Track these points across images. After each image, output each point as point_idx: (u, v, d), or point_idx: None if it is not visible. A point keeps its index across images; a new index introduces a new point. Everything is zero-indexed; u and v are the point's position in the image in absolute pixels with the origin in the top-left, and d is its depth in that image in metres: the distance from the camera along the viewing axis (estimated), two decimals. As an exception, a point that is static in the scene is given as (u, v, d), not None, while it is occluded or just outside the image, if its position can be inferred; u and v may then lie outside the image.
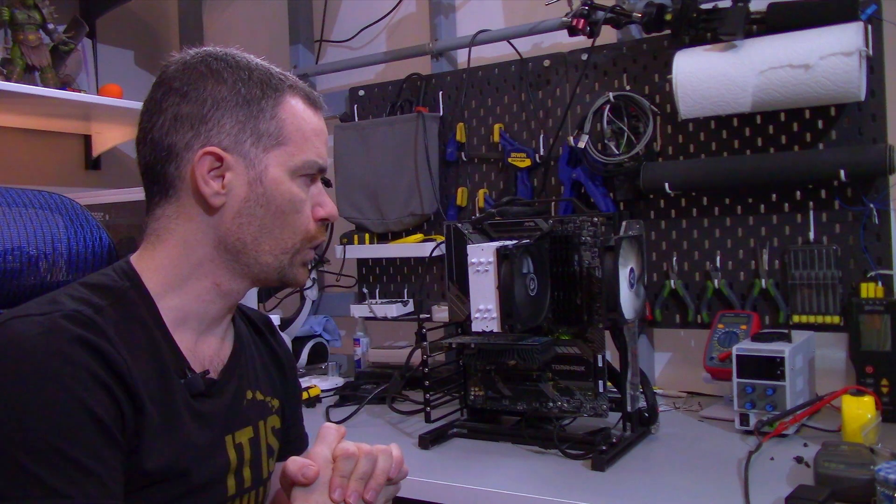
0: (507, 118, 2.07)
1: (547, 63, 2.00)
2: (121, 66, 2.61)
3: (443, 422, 1.60)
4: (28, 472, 0.70)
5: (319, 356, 2.24)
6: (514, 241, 1.44)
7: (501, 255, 1.36)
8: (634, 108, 1.85)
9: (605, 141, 1.87)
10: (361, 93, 2.30)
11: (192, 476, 0.84)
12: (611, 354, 1.48)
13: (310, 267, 0.98)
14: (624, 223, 1.47)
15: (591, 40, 1.83)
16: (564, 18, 1.80)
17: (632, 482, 1.26)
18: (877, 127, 1.62)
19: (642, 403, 1.50)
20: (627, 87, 1.89)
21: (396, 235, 2.19)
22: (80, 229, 1.14)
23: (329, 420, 1.68)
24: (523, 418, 1.54)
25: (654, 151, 1.84)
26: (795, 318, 1.69)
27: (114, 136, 2.44)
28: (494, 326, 1.37)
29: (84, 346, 0.75)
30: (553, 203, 1.96)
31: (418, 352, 1.73)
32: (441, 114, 2.14)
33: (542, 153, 2.00)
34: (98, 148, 2.47)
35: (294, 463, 0.80)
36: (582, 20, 1.77)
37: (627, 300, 1.42)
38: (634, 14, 1.72)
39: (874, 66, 1.60)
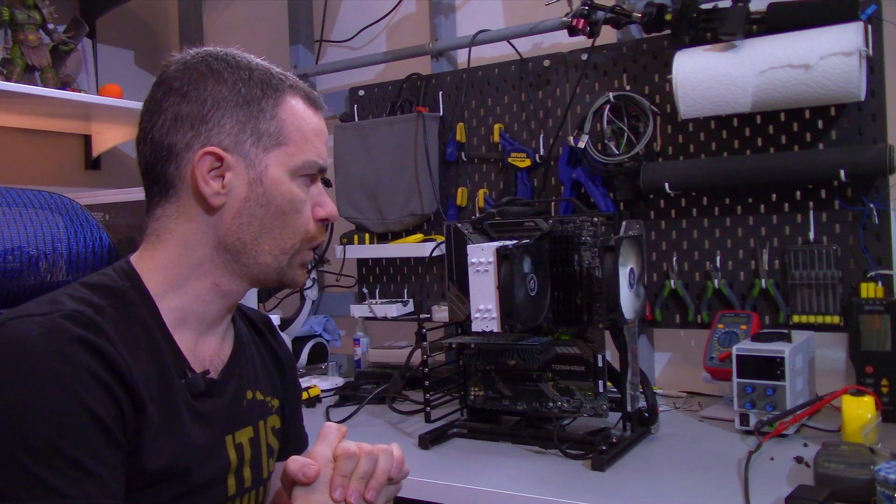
0: (507, 118, 2.07)
1: (547, 63, 2.00)
2: (121, 66, 2.61)
3: (443, 422, 1.60)
4: (29, 472, 0.70)
5: (319, 356, 2.24)
6: (514, 241, 1.44)
7: (501, 255, 1.36)
8: (634, 108, 1.85)
9: (605, 141, 1.87)
10: (361, 93, 2.30)
11: (193, 476, 0.85)
12: (611, 354, 1.48)
13: (309, 268, 0.98)
14: (624, 223, 1.47)
15: (591, 40, 1.83)
16: (564, 18, 1.80)
17: (632, 482, 1.26)
18: (877, 127, 1.62)
19: (642, 403, 1.50)
20: (627, 87, 1.89)
21: (396, 235, 2.19)
22: (80, 229, 1.14)
23: (329, 420, 1.68)
24: (523, 418, 1.54)
25: (654, 151, 1.84)
26: (795, 318, 1.69)
27: (114, 136, 2.44)
28: (494, 326, 1.37)
29: (84, 346, 0.75)
30: (553, 203, 1.96)
31: (418, 352, 1.73)
32: (441, 114, 2.14)
33: (542, 153, 2.00)
34: (98, 148, 2.47)
35: (295, 462, 0.80)
36: (582, 20, 1.77)
37: (627, 300, 1.42)
38: (634, 14, 1.72)
39: (874, 66, 1.60)
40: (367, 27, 2.39)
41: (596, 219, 1.48)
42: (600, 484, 1.26)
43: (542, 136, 2.01)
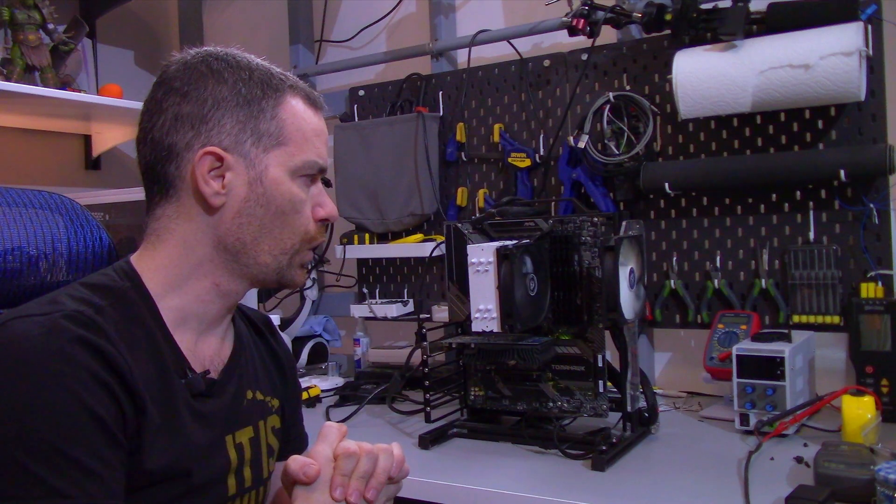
0: (507, 118, 2.07)
1: (547, 63, 2.00)
2: (121, 66, 2.61)
3: (443, 422, 1.60)
4: (29, 472, 0.70)
5: (319, 356, 2.24)
6: (514, 241, 1.44)
7: (501, 255, 1.36)
8: (634, 108, 1.85)
9: (605, 141, 1.87)
10: (361, 93, 2.30)
11: (193, 476, 0.85)
12: (611, 354, 1.48)
13: (308, 268, 0.98)
14: (624, 223, 1.47)
15: (591, 40, 1.83)
16: (564, 18, 1.80)
17: (632, 482, 1.26)
18: (877, 127, 1.62)
19: (642, 403, 1.50)
20: (627, 87, 1.89)
21: (396, 235, 2.19)
22: (80, 229, 1.14)
23: (329, 420, 1.68)
24: (523, 418, 1.54)
25: (654, 151, 1.84)
26: (795, 318, 1.69)
27: (114, 136, 2.44)
28: (494, 326, 1.37)
29: (85, 346, 0.75)
30: (553, 203, 1.96)
31: (418, 352, 1.73)
32: (441, 114, 2.14)
33: (542, 153, 2.00)
34: (98, 148, 2.47)
35: (295, 461, 0.80)
36: (582, 20, 1.77)
37: (627, 300, 1.42)
38: (634, 14, 1.72)
39: (874, 66, 1.60)
40: (367, 27, 2.39)
41: (596, 219, 1.48)
42: (600, 484, 1.26)
43: (542, 136, 2.01)
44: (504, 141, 2.04)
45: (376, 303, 2.20)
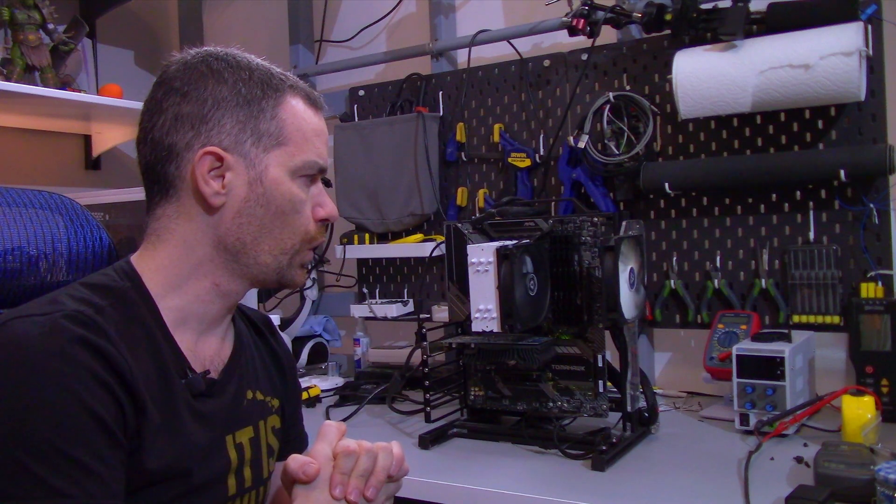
0: (507, 118, 2.07)
1: (547, 63, 2.00)
2: (121, 66, 2.61)
3: (443, 422, 1.60)
4: (30, 472, 0.70)
5: (319, 356, 2.24)
6: (514, 241, 1.44)
7: (501, 255, 1.36)
8: (634, 108, 1.85)
9: (605, 141, 1.87)
10: (361, 93, 2.30)
11: (193, 476, 0.85)
12: (611, 354, 1.48)
13: (308, 268, 0.98)
14: (624, 223, 1.47)
15: (591, 40, 1.83)
16: (564, 18, 1.80)
17: (632, 482, 1.26)
18: (877, 127, 1.62)
19: (642, 403, 1.50)
20: (627, 87, 1.89)
21: (396, 235, 2.19)
22: (80, 229, 1.14)
23: (329, 420, 1.68)
24: (523, 418, 1.54)
25: (654, 151, 1.85)
26: (795, 318, 1.69)
27: (114, 136, 2.44)
28: (494, 326, 1.37)
29: (85, 346, 0.75)
30: (553, 203, 1.96)
31: (418, 352, 1.73)
32: (441, 114, 2.14)
33: (542, 153, 2.00)
34: (98, 148, 2.47)
35: (295, 461, 0.80)
36: (582, 20, 1.77)
37: (627, 300, 1.42)
38: (634, 14, 1.72)
39: (874, 66, 1.60)
40: (367, 27, 2.39)
41: (596, 219, 1.48)
42: (600, 484, 1.26)
43: (542, 136, 2.01)
44: (504, 141, 2.04)
45: (376, 303, 2.20)
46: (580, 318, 1.47)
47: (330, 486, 0.80)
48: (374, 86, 2.29)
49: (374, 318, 2.15)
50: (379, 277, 2.30)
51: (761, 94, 1.59)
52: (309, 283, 2.19)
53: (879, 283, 1.61)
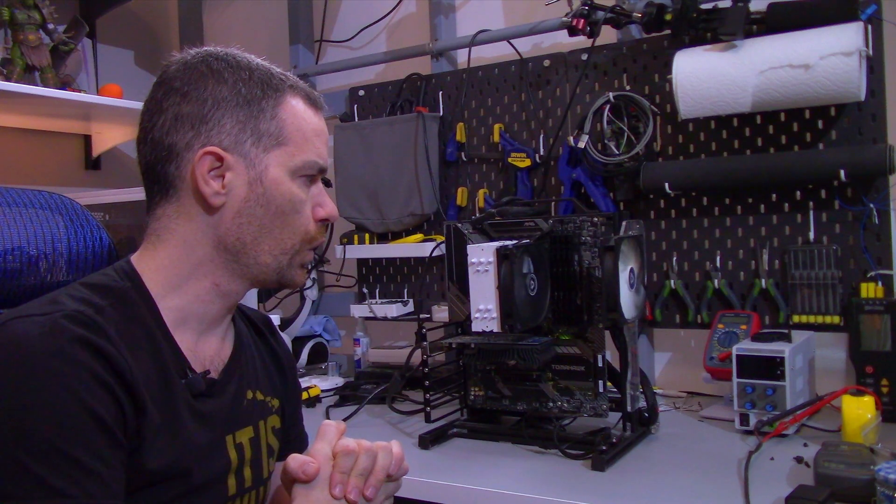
0: (507, 118, 2.07)
1: (547, 63, 2.00)
2: (121, 66, 2.61)
3: (443, 422, 1.60)
4: (30, 472, 0.70)
5: (319, 356, 2.24)
6: (514, 241, 1.44)
7: (501, 255, 1.36)
8: (634, 108, 1.85)
9: (605, 141, 1.87)
10: (361, 93, 2.30)
11: (193, 476, 0.85)
12: (611, 354, 1.48)
13: (309, 268, 0.98)
14: (624, 223, 1.47)
15: (591, 40, 1.83)
16: (564, 18, 1.80)
17: (632, 482, 1.26)
18: (877, 127, 1.62)
19: (642, 403, 1.50)
20: (627, 87, 1.89)
21: (396, 235, 2.19)
22: (80, 229, 1.14)
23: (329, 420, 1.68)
24: (523, 418, 1.54)
25: (654, 151, 1.85)
26: (795, 318, 1.69)
27: (114, 136, 2.44)
28: (494, 326, 1.37)
29: (85, 346, 0.75)
30: (553, 203, 1.96)
31: (418, 352, 1.73)
32: (441, 114, 2.14)
33: (542, 153, 2.00)
34: (98, 148, 2.47)
35: (295, 460, 0.80)
36: (582, 20, 1.77)
37: (627, 300, 1.42)
38: (634, 14, 1.72)
39: (874, 66, 1.60)
40: (367, 27, 2.39)
41: (596, 219, 1.48)
42: (600, 484, 1.26)
43: (542, 136, 2.01)
44: (504, 141, 2.04)
45: (376, 303, 2.20)
46: (580, 318, 1.47)
47: (329, 486, 0.80)
48: (374, 86, 2.29)
49: (374, 318, 2.15)
50: (379, 277, 2.30)
51: (761, 94, 1.59)
52: (309, 283, 2.19)
53: (879, 283, 1.61)
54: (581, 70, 1.92)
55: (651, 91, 1.86)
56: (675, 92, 1.68)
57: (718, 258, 1.78)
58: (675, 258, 1.83)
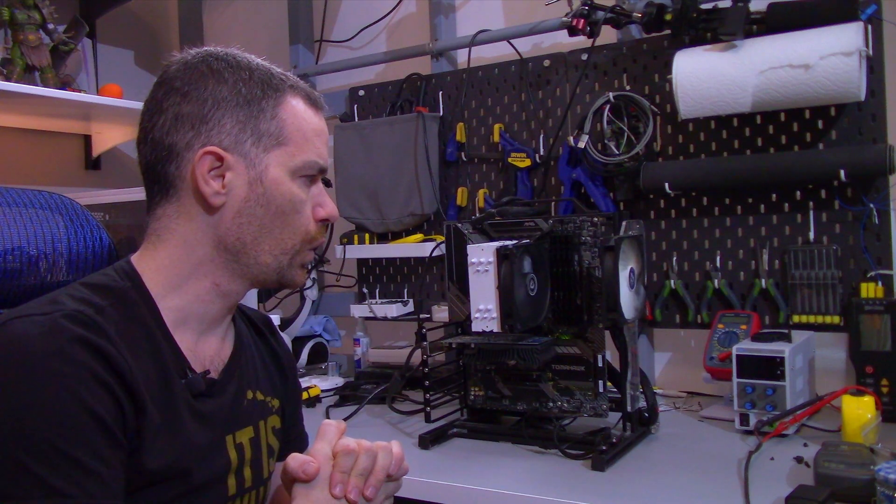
0: (507, 118, 2.07)
1: (547, 63, 2.00)
2: (121, 66, 2.61)
3: (443, 422, 1.60)
4: (29, 472, 0.70)
5: (319, 356, 2.24)
6: (514, 241, 1.44)
7: (501, 255, 1.36)
8: (634, 108, 1.85)
9: (605, 141, 1.87)
10: (361, 93, 2.30)
11: (193, 476, 0.85)
12: (611, 354, 1.48)
13: (309, 268, 0.98)
14: (624, 223, 1.47)
15: (591, 40, 1.83)
16: (564, 18, 1.80)
17: (632, 482, 1.26)
18: (877, 127, 1.62)
19: (642, 403, 1.50)
20: (627, 87, 1.89)
21: (396, 235, 2.19)
22: (80, 229, 1.14)
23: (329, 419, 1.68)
24: (523, 418, 1.54)
25: (654, 151, 1.85)
26: (795, 318, 1.69)
27: (114, 136, 2.44)
28: (494, 326, 1.37)
29: (85, 346, 0.75)
30: (553, 203, 1.96)
31: (418, 352, 1.73)
32: (441, 114, 2.14)
33: (542, 153, 2.00)
34: (98, 148, 2.47)
35: (295, 459, 0.80)
36: (582, 20, 1.77)
37: (627, 300, 1.42)
38: (634, 14, 1.72)
39: (874, 66, 1.60)
40: (367, 27, 2.39)
41: (596, 219, 1.48)
42: (600, 484, 1.26)
43: (542, 136, 2.01)
44: (504, 141, 2.04)
45: (376, 303, 2.20)
46: (580, 318, 1.47)
47: (330, 485, 0.80)
48: (374, 86, 2.29)
49: (374, 318, 2.15)
50: (379, 277, 2.30)
51: (761, 94, 1.59)
52: (309, 283, 2.19)
53: (879, 283, 1.61)
54: (581, 70, 1.92)
55: (651, 91, 1.86)
56: (675, 92, 1.68)
57: (718, 258, 1.78)
58: (675, 258, 1.83)
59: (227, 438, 0.91)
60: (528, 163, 1.99)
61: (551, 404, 1.51)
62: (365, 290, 2.31)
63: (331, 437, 0.83)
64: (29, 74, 2.00)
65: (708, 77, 1.64)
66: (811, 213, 1.69)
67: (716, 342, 1.67)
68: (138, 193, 0.94)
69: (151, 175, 0.90)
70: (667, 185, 1.74)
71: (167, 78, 0.89)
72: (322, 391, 1.97)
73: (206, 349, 0.92)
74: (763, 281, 1.73)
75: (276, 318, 1.91)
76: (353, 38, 2.42)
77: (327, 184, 0.98)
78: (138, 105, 0.92)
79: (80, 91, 2.10)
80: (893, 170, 1.55)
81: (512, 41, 2.04)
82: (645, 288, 1.53)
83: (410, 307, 2.18)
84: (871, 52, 1.56)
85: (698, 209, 1.82)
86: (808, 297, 1.69)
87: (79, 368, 0.74)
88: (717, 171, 1.72)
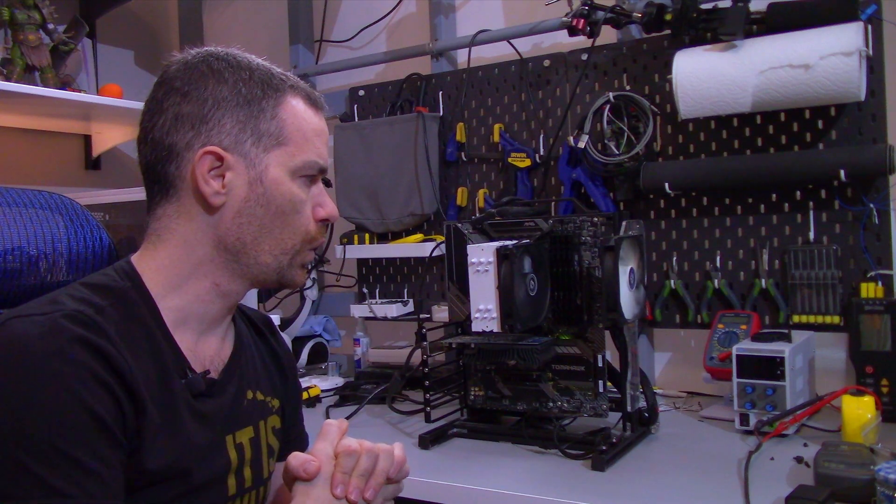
0: (507, 118, 2.07)
1: (547, 63, 2.00)
2: (121, 66, 2.61)
3: (443, 422, 1.60)
4: (29, 471, 0.70)
5: (319, 356, 2.24)
6: (514, 241, 1.44)
7: (501, 255, 1.36)
8: (634, 108, 1.85)
9: (605, 141, 1.87)
10: (361, 93, 2.30)
11: (193, 476, 0.85)
12: (611, 354, 1.48)
13: (309, 268, 0.98)
14: (624, 223, 1.47)
15: (591, 40, 1.83)
16: (564, 18, 1.80)
17: (632, 482, 1.26)
18: (877, 127, 1.62)
19: (642, 403, 1.50)
20: (627, 87, 1.89)
21: (396, 235, 2.19)
22: (80, 229, 1.14)
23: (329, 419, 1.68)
24: (523, 418, 1.54)
25: (654, 151, 1.85)
26: (795, 318, 1.69)
27: (114, 136, 2.44)
28: (494, 326, 1.37)
29: (85, 346, 0.75)
30: (553, 203, 1.96)
31: (418, 352, 1.73)
32: (441, 114, 2.14)
33: (542, 153, 2.00)
34: (98, 148, 2.47)
35: (296, 458, 0.80)
36: (582, 20, 1.77)
37: (627, 300, 1.42)
38: (634, 14, 1.72)
39: (874, 66, 1.60)
40: (367, 27, 2.39)
41: (596, 219, 1.48)
42: (600, 484, 1.26)
43: (542, 136, 2.01)
44: (504, 141, 2.04)
45: (376, 303, 2.20)
46: (580, 318, 1.47)
47: (331, 485, 0.80)
48: (374, 86, 2.29)
49: (374, 318, 2.15)
50: (379, 277, 2.30)
51: (761, 94, 1.59)
52: (309, 283, 2.19)
53: (879, 283, 1.61)
54: (581, 70, 1.92)
55: (651, 91, 1.86)
56: (675, 92, 1.68)
57: (718, 258, 1.78)
58: (675, 258, 1.83)
59: (227, 438, 0.91)
60: (528, 163, 1.99)
61: (551, 404, 1.51)
62: (365, 290, 2.31)
63: (333, 436, 0.83)
64: (29, 74, 2.00)
65: (708, 77, 1.64)
66: (811, 213, 1.69)
67: (716, 342, 1.67)
68: (138, 193, 0.94)
69: (151, 175, 0.90)
70: (667, 185, 1.74)
71: (167, 78, 0.89)
72: (322, 391, 1.97)
73: (206, 349, 0.92)
74: (763, 281, 1.73)
75: (276, 318, 1.91)
76: (353, 38, 2.42)
77: (327, 184, 0.98)
78: (138, 105, 0.92)
79: (80, 91, 2.10)
80: (893, 170, 1.55)
81: (512, 41, 2.04)
82: (645, 288, 1.53)
83: (410, 307, 2.18)
84: (871, 52, 1.56)
85: (698, 209, 1.82)
86: (808, 297, 1.69)
87: (79, 368, 0.74)
88: (717, 171, 1.72)
